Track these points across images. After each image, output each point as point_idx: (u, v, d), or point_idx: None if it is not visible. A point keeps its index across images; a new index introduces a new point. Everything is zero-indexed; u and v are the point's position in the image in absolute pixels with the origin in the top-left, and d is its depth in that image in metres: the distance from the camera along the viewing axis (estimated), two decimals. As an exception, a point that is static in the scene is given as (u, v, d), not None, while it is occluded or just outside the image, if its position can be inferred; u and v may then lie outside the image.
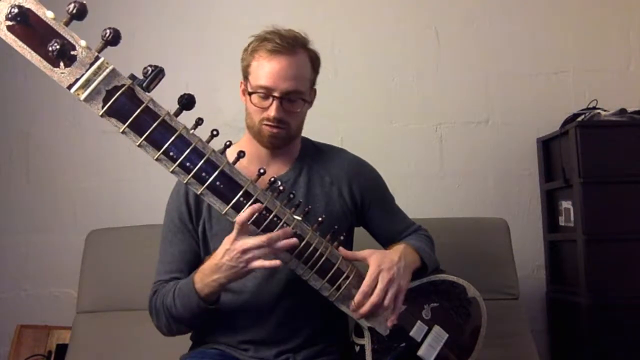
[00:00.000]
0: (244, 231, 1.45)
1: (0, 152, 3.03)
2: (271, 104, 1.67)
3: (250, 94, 1.71)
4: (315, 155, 1.88)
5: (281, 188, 1.51)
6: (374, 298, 1.57)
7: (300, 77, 1.70)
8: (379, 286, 1.57)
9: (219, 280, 1.52)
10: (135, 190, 3.00)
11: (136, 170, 2.98)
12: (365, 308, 1.58)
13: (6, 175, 3.03)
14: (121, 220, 2.70)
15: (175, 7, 3.12)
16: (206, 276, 1.54)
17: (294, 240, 1.47)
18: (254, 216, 1.43)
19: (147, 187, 2.92)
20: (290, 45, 1.69)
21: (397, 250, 1.68)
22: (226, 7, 3.13)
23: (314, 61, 1.77)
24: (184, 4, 3.13)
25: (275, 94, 1.66)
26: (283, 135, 1.72)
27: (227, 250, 1.47)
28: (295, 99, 1.69)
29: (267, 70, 1.67)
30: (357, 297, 1.58)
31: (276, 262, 1.47)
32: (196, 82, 2.90)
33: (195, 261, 1.73)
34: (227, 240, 1.47)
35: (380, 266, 1.60)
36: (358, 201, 1.86)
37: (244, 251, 1.45)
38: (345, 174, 1.85)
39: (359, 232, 1.93)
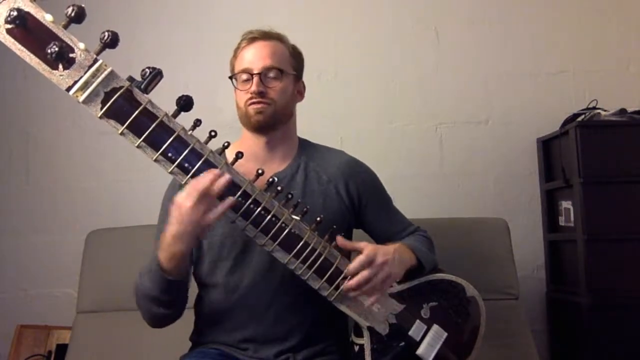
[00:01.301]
0: (193, 195, 1.39)
1: (0, 152, 3.04)
2: (252, 83, 1.74)
3: (231, 78, 1.81)
4: (313, 154, 1.89)
5: (279, 188, 1.51)
6: (364, 272, 1.56)
7: (278, 56, 1.78)
8: (372, 265, 1.57)
9: (181, 249, 1.47)
10: (134, 191, 3.01)
11: (136, 171, 2.99)
12: (353, 281, 1.57)
13: (6, 175, 3.04)
14: (121, 221, 2.70)
15: (174, 8, 3.13)
16: (166, 250, 1.49)
17: (226, 177, 1.39)
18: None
19: (147, 188, 2.90)
20: (266, 34, 1.81)
21: (393, 246, 1.68)
22: (225, 7, 3.13)
23: (294, 52, 1.86)
24: (183, 5, 3.14)
25: (255, 72, 1.74)
26: (268, 112, 1.75)
27: (181, 215, 1.41)
28: (275, 75, 1.76)
29: (245, 55, 1.79)
30: (350, 267, 1.58)
31: (228, 202, 1.41)
32: (196, 82, 2.90)
33: None
34: (177, 207, 1.43)
35: (376, 251, 1.60)
36: (355, 200, 1.86)
37: (193, 212, 1.39)
38: (342, 173, 1.86)
39: (358, 233, 1.93)
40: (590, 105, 2.92)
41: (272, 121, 1.76)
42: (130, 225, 2.59)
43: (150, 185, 2.86)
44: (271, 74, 1.76)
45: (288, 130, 1.86)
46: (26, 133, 3.04)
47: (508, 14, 3.15)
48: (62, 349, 2.63)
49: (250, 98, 1.74)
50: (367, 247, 1.62)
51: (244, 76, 1.76)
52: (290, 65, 1.83)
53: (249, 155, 1.73)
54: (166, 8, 3.13)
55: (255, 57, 1.76)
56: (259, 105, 1.74)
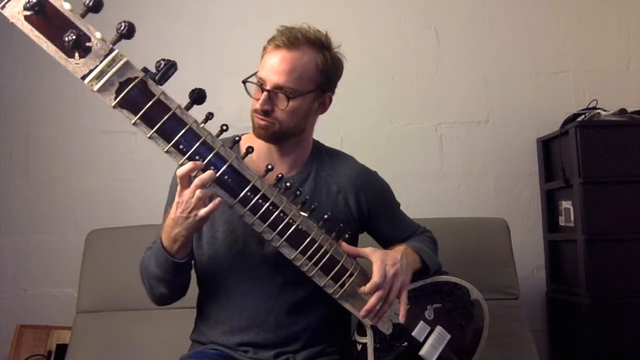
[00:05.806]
0: (185, 185, 1.43)
1: (0, 152, 3.03)
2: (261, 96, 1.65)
3: (244, 82, 1.70)
4: (325, 161, 1.85)
5: (288, 185, 1.52)
6: (380, 292, 1.57)
7: (294, 72, 1.64)
8: (385, 280, 1.57)
9: (181, 233, 1.52)
10: (135, 190, 3.00)
11: (136, 171, 2.99)
12: (372, 301, 1.57)
13: (6, 175, 3.03)
14: (121, 220, 2.70)
15: (175, 5, 3.13)
16: (168, 232, 1.54)
17: (210, 172, 1.42)
18: (195, 171, 1.41)
19: (147, 187, 2.92)
20: (294, 41, 1.66)
21: (399, 250, 1.69)
22: (227, 5, 3.13)
23: (325, 63, 1.71)
24: (184, 2, 3.14)
25: (266, 87, 1.64)
26: (270, 130, 1.67)
27: (178, 204, 1.47)
28: (286, 94, 1.63)
29: (266, 62, 1.67)
30: (368, 287, 1.57)
31: (217, 200, 1.45)
32: (196, 80, 2.88)
33: None
34: (177, 195, 1.47)
35: (385, 262, 1.60)
36: (365, 212, 1.84)
37: (188, 202, 1.44)
38: (353, 184, 1.82)
39: (363, 236, 1.92)
40: (590, 105, 2.93)
41: (275, 138, 1.71)
42: (130, 225, 2.58)
43: (150, 185, 2.88)
44: (282, 93, 1.63)
45: (300, 139, 1.79)
46: (26, 133, 3.03)
47: (508, 13, 3.15)
48: (62, 349, 2.62)
49: (255, 109, 1.67)
50: (374, 258, 1.61)
51: (257, 82, 1.67)
52: (311, 81, 1.69)
53: (261, 153, 1.72)
54: (167, 5, 3.12)
55: (271, 70, 1.64)
56: (261, 122, 1.66)
